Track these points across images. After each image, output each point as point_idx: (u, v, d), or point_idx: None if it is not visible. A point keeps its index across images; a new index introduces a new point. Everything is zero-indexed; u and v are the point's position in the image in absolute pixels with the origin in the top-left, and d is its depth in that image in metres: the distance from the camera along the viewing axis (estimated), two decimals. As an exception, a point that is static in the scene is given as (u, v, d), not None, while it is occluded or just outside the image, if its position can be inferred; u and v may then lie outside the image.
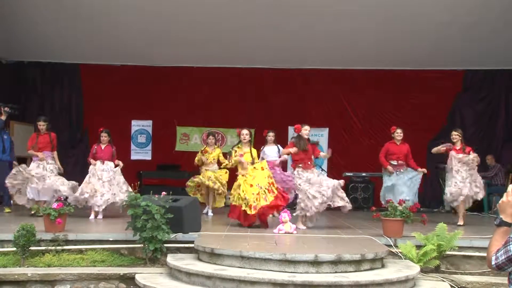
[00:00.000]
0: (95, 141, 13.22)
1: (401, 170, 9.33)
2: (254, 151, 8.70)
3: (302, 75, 13.47)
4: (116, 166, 9.53)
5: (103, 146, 9.67)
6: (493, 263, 2.89)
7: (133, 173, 11.77)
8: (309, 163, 8.26)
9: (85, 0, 11.05)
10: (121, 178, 9.43)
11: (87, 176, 9.40)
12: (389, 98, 13.43)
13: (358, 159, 13.20)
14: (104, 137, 9.66)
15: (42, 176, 9.34)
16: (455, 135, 9.42)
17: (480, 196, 9.29)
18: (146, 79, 13.23)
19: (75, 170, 13.03)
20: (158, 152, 13.61)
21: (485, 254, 2.91)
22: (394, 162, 9.37)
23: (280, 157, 9.80)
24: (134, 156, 13.53)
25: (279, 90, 13.37)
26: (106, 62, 13.16)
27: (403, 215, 7.05)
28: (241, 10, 11.02)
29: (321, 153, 8.97)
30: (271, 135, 10.06)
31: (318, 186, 8.04)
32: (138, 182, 10.46)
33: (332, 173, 13.14)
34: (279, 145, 10.15)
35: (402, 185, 9.18)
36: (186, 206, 7.10)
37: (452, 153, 9.21)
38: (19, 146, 12.21)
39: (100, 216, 9.24)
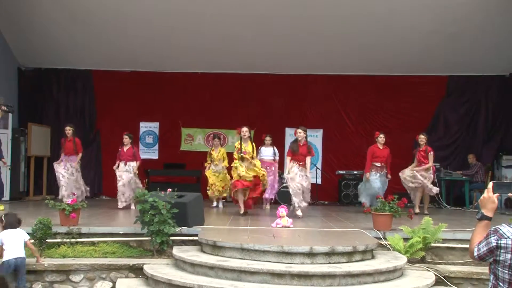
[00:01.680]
0: (107, 141, 13.32)
1: (381, 173, 9.86)
2: (253, 144, 9.06)
3: (299, 80, 13.45)
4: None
5: (125, 148, 10.01)
6: (475, 254, 2.89)
7: (141, 171, 11.75)
8: (301, 162, 8.76)
9: (98, 12, 11.06)
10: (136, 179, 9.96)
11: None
12: (378, 101, 13.42)
13: (350, 158, 13.21)
14: (126, 139, 10.05)
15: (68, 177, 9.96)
16: (423, 138, 9.75)
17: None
18: (153, 84, 13.22)
19: (87, 168, 13.07)
20: (164, 152, 13.59)
21: (467, 246, 2.92)
22: (378, 164, 9.88)
23: (275, 158, 10.40)
24: (142, 156, 13.38)
25: (277, 94, 13.36)
26: (117, 68, 13.15)
27: (392, 210, 7.05)
28: (242, 20, 11.03)
29: (307, 158, 8.91)
30: (268, 139, 10.41)
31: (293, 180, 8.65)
32: (146, 180, 10.49)
33: (326, 170, 13.20)
34: (275, 147, 10.45)
35: (380, 186, 9.69)
36: (191, 202, 7.09)
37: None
38: (36, 146, 12.25)
39: (133, 207, 9.74)
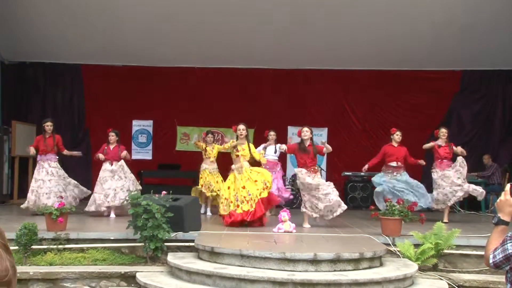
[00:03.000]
0: (97, 140, 13.24)
1: (399, 174, 9.48)
2: (252, 146, 8.74)
3: (302, 75, 13.45)
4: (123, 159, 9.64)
5: (111, 147, 9.70)
6: (490, 261, 2.88)
7: (134, 172, 11.72)
8: (312, 166, 8.43)
9: (86, 1, 11.05)
10: (130, 176, 9.61)
11: (97, 182, 9.50)
12: (387, 98, 13.43)
13: (356, 158, 13.16)
14: (112, 136, 9.71)
15: (41, 179, 9.38)
16: (445, 132, 9.56)
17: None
18: (146, 80, 13.22)
19: (77, 168, 13.06)
20: (158, 152, 13.60)
21: (482, 253, 2.90)
22: (394, 164, 9.51)
23: (278, 155, 10.18)
24: (135, 156, 13.47)
25: (279, 90, 13.36)
26: (107, 62, 13.14)
27: (401, 214, 7.04)
28: (241, 11, 11.03)
29: (324, 149, 8.72)
30: (272, 134, 10.19)
31: (317, 190, 8.26)
32: (139, 182, 10.45)
33: (331, 172, 13.19)
34: (278, 145, 10.27)
35: (401, 189, 9.27)
36: (187, 205, 7.10)
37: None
38: (20, 146, 12.23)
39: (112, 215, 9.32)
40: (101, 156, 9.56)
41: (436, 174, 9.55)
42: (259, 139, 12.86)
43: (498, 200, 2.94)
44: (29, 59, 13.23)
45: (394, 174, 9.47)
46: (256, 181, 8.20)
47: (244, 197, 8.11)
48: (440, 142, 9.60)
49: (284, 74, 13.39)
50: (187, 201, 7.26)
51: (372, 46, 12.04)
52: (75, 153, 9.86)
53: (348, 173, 12.65)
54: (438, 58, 12.52)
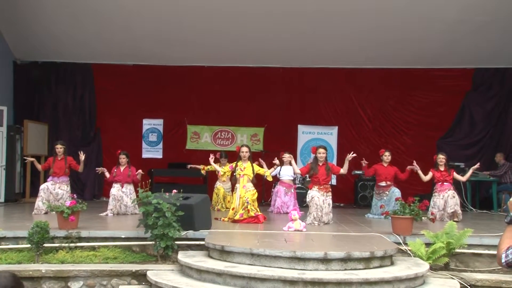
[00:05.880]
0: (108, 140, 13.31)
1: (386, 193, 9.77)
2: (256, 167, 8.93)
3: (312, 74, 13.43)
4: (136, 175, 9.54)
5: (122, 168, 9.56)
6: (503, 260, 2.87)
7: (144, 171, 11.78)
8: (325, 184, 8.54)
9: (97, 1, 11.11)
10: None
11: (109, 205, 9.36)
12: (398, 96, 13.38)
13: (367, 157, 13.08)
14: (123, 159, 9.58)
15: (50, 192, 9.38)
16: (442, 159, 9.48)
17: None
18: (157, 79, 13.28)
19: (87, 168, 13.12)
20: (169, 151, 13.65)
21: (495, 252, 2.88)
22: (383, 184, 9.87)
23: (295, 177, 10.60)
24: (145, 155, 13.59)
25: (289, 88, 13.37)
26: (119, 61, 13.22)
27: (413, 213, 7.02)
28: (251, 11, 11.03)
29: (341, 170, 8.84)
30: (287, 157, 10.25)
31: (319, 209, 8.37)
32: (149, 180, 10.44)
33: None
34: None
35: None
36: (197, 204, 7.11)
37: None
38: (31, 145, 12.33)
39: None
40: (106, 173, 9.56)
41: (436, 197, 9.50)
42: (269, 139, 12.92)
43: (510, 199, 2.92)
44: (40, 58, 13.34)
45: (385, 193, 9.78)
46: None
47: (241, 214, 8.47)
48: (440, 167, 9.57)
49: (295, 73, 13.39)
50: (197, 199, 7.26)
51: (383, 45, 12.00)
52: (82, 157, 9.69)
53: (358, 172, 12.60)
54: (450, 56, 12.46)
